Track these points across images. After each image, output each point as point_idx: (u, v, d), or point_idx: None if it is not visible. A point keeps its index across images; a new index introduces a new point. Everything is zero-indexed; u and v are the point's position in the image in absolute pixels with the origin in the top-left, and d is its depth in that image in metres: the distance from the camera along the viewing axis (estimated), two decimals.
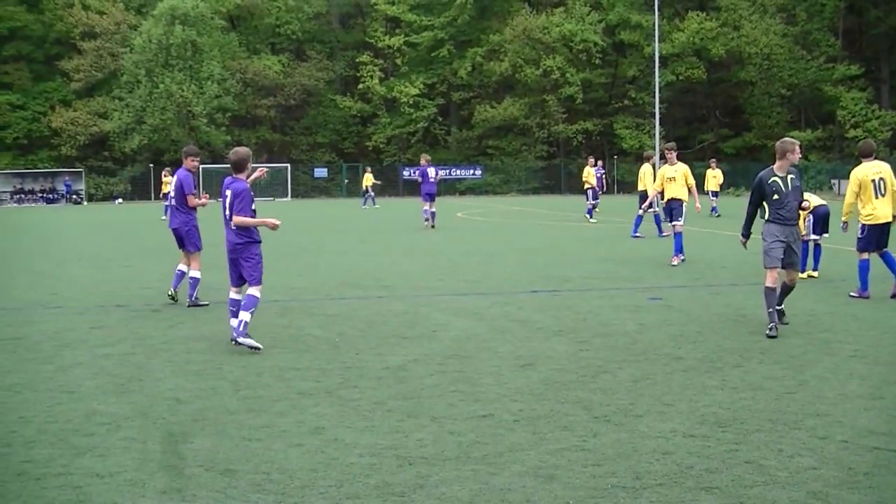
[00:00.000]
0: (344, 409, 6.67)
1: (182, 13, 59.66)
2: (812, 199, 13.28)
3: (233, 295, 9.23)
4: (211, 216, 15.81)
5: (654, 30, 60.92)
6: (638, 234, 22.53)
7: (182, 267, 12.27)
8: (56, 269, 17.11)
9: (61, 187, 59.43)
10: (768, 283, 9.51)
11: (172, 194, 12.38)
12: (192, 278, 11.98)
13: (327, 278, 14.94)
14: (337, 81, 70.04)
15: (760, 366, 7.99)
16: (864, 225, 12.18)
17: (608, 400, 6.85)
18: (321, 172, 66.55)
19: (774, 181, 9.65)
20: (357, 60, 68.18)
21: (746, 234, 10.12)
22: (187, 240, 12.11)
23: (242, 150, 9.23)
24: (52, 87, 64.25)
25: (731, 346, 8.89)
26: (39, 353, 8.91)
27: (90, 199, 60.33)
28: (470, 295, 12.85)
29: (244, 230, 9.00)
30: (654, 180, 19.27)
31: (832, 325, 9.96)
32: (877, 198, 12.08)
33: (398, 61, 68.25)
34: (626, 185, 64.36)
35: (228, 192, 9.03)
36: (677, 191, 16.69)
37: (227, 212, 9.02)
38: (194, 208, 12.27)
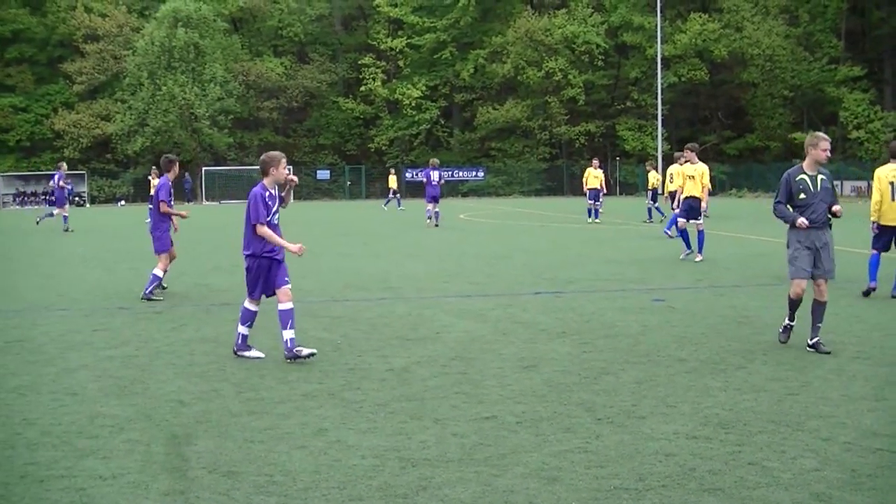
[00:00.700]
0: (347, 411, 6.67)
1: (185, 15, 59.77)
2: None
3: (247, 304, 8.80)
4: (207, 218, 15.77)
5: (657, 31, 60.98)
6: (670, 234, 22.19)
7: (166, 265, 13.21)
8: (60, 270, 17.13)
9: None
10: (792, 295, 8.78)
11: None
12: (153, 275, 12.85)
13: (331, 280, 14.94)
14: (339, 83, 70.09)
15: (764, 367, 7.98)
16: (875, 223, 12.37)
17: (611, 401, 6.84)
18: (324, 174, 66.62)
19: (802, 179, 8.69)
20: (359, 62, 68.23)
21: (794, 214, 8.63)
22: (154, 242, 13.15)
23: (266, 154, 8.79)
24: (54, 89, 64.40)
25: (735, 347, 8.89)
26: (43, 355, 8.92)
27: (93, 201, 60.42)
28: (474, 297, 12.85)
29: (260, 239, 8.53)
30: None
31: (836, 326, 9.94)
32: (892, 200, 12.15)
33: (401, 63, 68.32)
34: (629, 186, 64.42)
35: None
36: (697, 189, 17.23)
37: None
38: (167, 215, 13.23)
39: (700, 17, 62.13)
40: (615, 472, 5.23)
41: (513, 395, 7.07)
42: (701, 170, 17.33)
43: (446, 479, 5.17)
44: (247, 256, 8.65)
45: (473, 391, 7.23)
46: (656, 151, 61.57)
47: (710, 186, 17.62)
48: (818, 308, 8.70)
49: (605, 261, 17.46)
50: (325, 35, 71.24)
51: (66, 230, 29.01)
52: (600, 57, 65.39)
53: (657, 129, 61.95)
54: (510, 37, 64.88)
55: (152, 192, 29.65)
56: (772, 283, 13.84)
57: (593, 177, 30.85)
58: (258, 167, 8.89)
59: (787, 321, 9.04)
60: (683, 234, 17.48)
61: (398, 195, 46.41)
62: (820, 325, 8.72)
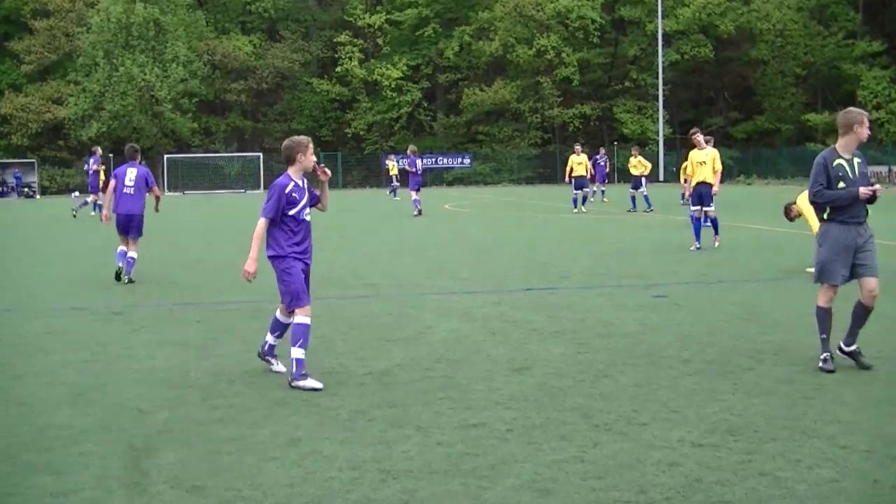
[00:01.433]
0: (322, 419, 6.65)
1: None
2: None
3: (278, 314, 8.32)
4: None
5: (657, 5, 61.02)
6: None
7: (123, 247, 14.48)
8: (5, 268, 17.02)
9: (11, 180, 59.21)
10: (821, 303, 7.98)
11: (130, 184, 14.47)
12: (130, 258, 14.41)
13: None
14: (313, 63, 70.00)
15: (775, 368, 8.00)
16: None
17: (609, 407, 6.85)
18: None
19: (840, 164, 7.73)
20: (335, 40, 68.19)
21: (849, 189, 7.70)
22: (139, 226, 14.50)
23: (290, 139, 8.18)
24: (0, 70, 63.94)
25: (743, 347, 8.91)
26: None
27: (43, 192, 60.15)
28: (460, 293, 12.86)
29: (270, 238, 8.05)
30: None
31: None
32: None
33: (379, 41, 68.29)
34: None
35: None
36: (708, 175, 18.03)
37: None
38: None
39: None
40: (614, 484, 5.23)
41: (502, 401, 7.07)
42: (712, 155, 18.04)
43: (431, 492, 5.16)
44: (280, 258, 8.01)
45: (460, 396, 7.23)
46: (657, 135, 61.80)
47: (721, 169, 18.34)
48: (865, 312, 7.96)
49: (601, 254, 17.50)
50: (297, 10, 71.12)
51: (86, 213, 31.87)
52: (596, 33, 65.54)
53: (658, 111, 62.18)
54: (498, 12, 64.93)
55: (101, 179, 30.26)
56: (781, 277, 13.90)
57: (577, 163, 31.03)
58: (282, 155, 8.18)
59: (823, 348, 7.93)
60: (696, 223, 17.92)
61: (397, 185, 46.65)
62: (863, 324, 8.02)
